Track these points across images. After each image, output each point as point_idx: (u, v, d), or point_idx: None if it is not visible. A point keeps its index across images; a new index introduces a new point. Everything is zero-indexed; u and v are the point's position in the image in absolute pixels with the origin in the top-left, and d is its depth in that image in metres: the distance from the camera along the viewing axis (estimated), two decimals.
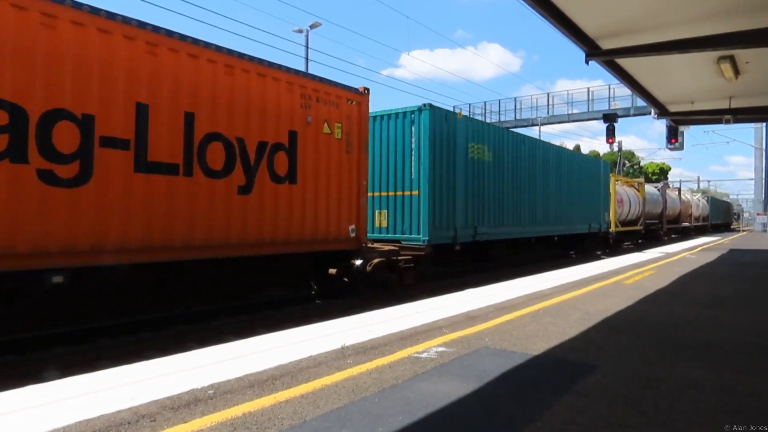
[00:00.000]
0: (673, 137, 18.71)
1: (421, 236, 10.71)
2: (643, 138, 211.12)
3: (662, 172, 70.68)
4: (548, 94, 41.39)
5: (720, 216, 58.18)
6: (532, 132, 38.43)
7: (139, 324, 7.25)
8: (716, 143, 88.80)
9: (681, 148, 19.99)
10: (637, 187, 26.90)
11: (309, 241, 8.39)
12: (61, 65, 5.55)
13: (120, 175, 6.02)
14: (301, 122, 8.22)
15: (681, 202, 35.89)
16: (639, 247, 25.11)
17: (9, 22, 5.19)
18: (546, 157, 15.96)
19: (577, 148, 68.21)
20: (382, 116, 11.36)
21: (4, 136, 5.14)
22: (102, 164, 5.86)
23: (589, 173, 19.52)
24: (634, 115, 35.29)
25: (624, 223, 24.06)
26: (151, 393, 3.45)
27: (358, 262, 9.17)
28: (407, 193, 10.99)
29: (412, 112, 10.94)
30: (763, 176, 45.58)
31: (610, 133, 22.34)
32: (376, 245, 10.22)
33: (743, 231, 55.04)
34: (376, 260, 9.44)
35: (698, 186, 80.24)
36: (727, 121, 15.83)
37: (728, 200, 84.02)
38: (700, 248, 21.33)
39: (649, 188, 29.28)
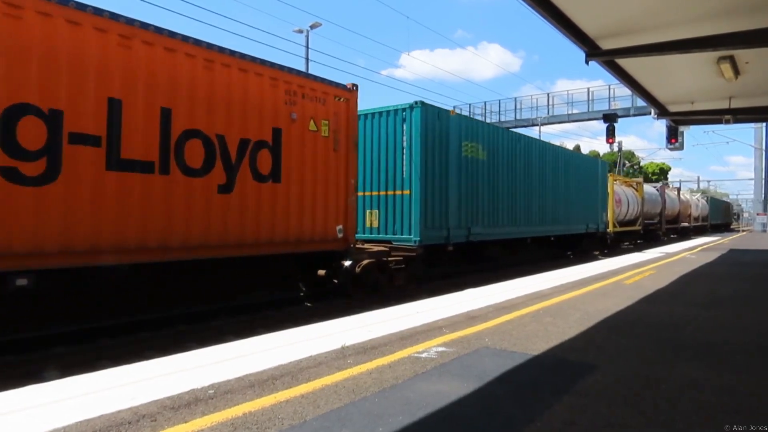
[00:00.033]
0: (673, 137, 18.71)
1: (412, 237, 10.51)
2: (643, 138, 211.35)
3: (662, 172, 70.71)
4: (548, 94, 41.44)
5: (719, 216, 58.16)
6: (532, 132, 38.46)
7: (139, 324, 7.25)
8: (716, 143, 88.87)
9: (681, 148, 19.99)
10: (635, 186, 26.78)
11: (294, 241, 8.16)
12: (26, 58, 5.31)
13: (90, 173, 5.78)
14: (286, 119, 8.00)
15: (680, 202, 35.87)
16: (638, 248, 25.08)
17: None
18: (542, 157, 15.79)
19: (577, 148, 68.22)
20: (373, 114, 11.15)
21: None
22: (71, 161, 5.63)
23: (586, 173, 19.35)
24: (634, 115, 35.30)
25: (622, 224, 23.98)
26: (151, 393, 3.45)
27: (347, 263, 8.98)
28: (398, 192, 10.78)
29: (404, 109, 10.72)
30: (763, 176, 45.60)
31: (610, 133, 22.32)
32: (366, 246, 10.07)
33: (743, 231, 55.06)
34: (365, 261, 9.28)
35: (698, 186, 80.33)
36: (727, 121, 15.83)
37: (728, 200, 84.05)
38: (699, 248, 21.33)
39: (648, 188, 29.14)
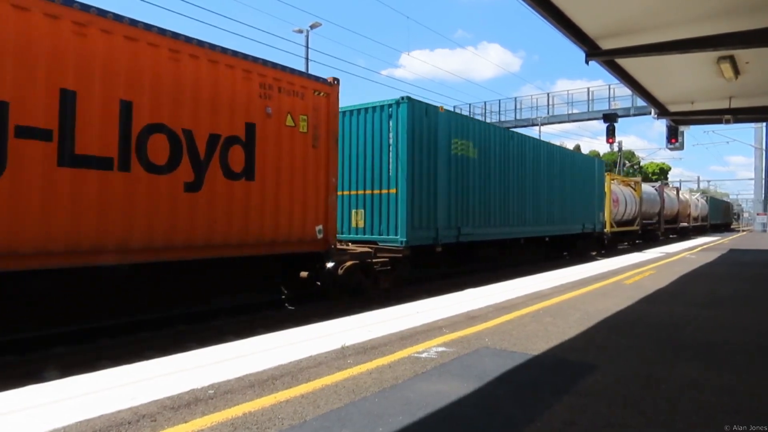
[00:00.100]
0: (673, 137, 18.73)
1: (398, 237, 10.15)
2: (643, 138, 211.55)
3: (662, 172, 70.74)
4: (548, 94, 41.48)
5: (719, 216, 58.16)
6: (533, 132, 38.48)
7: (139, 324, 7.24)
8: (716, 143, 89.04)
9: (681, 148, 20.00)
10: (633, 186, 26.58)
11: (269, 243, 7.76)
12: None
13: (40, 169, 5.39)
14: (261, 114, 7.61)
15: (679, 202, 35.83)
16: (637, 248, 25.01)
17: None
18: (537, 155, 15.43)
19: (577, 148, 68.24)
20: (359, 110, 10.82)
21: None
22: (17, 157, 5.25)
23: (582, 172, 18.97)
24: (634, 115, 35.32)
25: (620, 224, 23.84)
26: (151, 393, 3.45)
27: (330, 264, 8.65)
28: (384, 191, 10.43)
29: (390, 105, 10.38)
30: (763, 176, 45.64)
31: (610, 133, 22.33)
32: (351, 246, 9.78)
33: (743, 231, 55.07)
34: (348, 263, 8.95)
35: (698, 186, 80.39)
36: (727, 121, 15.84)
37: (728, 200, 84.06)
38: (699, 248, 21.34)
39: (646, 187, 28.95)
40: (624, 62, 11.16)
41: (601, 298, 7.73)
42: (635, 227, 25.97)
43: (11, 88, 5.24)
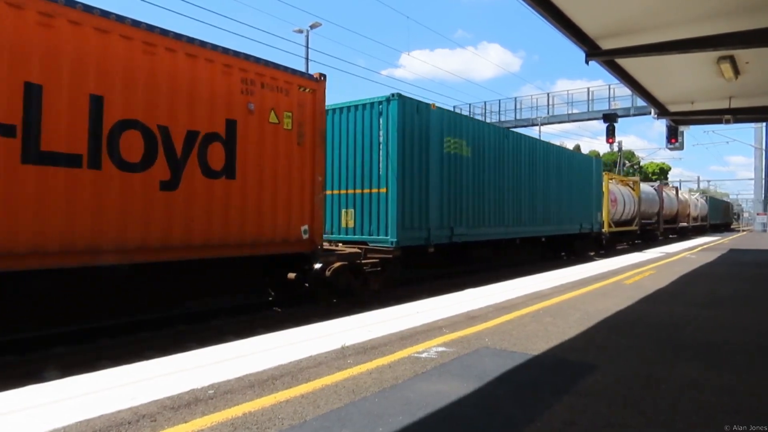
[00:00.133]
0: (673, 137, 18.73)
1: (388, 237, 9.87)
2: (643, 138, 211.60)
3: (662, 172, 70.77)
4: (548, 94, 41.47)
5: (719, 216, 58.15)
6: (533, 132, 38.50)
7: (139, 324, 7.25)
8: (716, 143, 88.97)
9: (681, 148, 19.99)
10: (632, 185, 26.41)
11: (251, 243, 7.47)
12: None
13: (1, 165, 5.14)
14: (242, 110, 7.34)
15: (678, 202, 35.79)
16: (637, 248, 24.98)
17: None
18: (533, 154, 15.22)
19: (577, 147, 68.25)
20: (348, 107, 10.54)
21: None
22: None
23: (580, 171, 18.75)
24: (634, 115, 35.33)
25: (618, 224, 23.70)
26: (151, 393, 3.45)
27: (317, 265, 8.39)
28: (375, 190, 10.14)
29: (380, 102, 10.09)
30: (763, 176, 45.67)
31: (610, 133, 22.31)
32: (340, 247, 9.58)
33: (743, 231, 55.09)
34: (336, 264, 8.68)
35: (698, 186, 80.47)
36: (727, 121, 15.85)
37: (728, 200, 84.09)
38: (699, 248, 21.34)
39: (645, 187, 28.79)
40: (624, 62, 11.17)
41: (601, 298, 7.73)
42: (634, 227, 25.88)
43: None
